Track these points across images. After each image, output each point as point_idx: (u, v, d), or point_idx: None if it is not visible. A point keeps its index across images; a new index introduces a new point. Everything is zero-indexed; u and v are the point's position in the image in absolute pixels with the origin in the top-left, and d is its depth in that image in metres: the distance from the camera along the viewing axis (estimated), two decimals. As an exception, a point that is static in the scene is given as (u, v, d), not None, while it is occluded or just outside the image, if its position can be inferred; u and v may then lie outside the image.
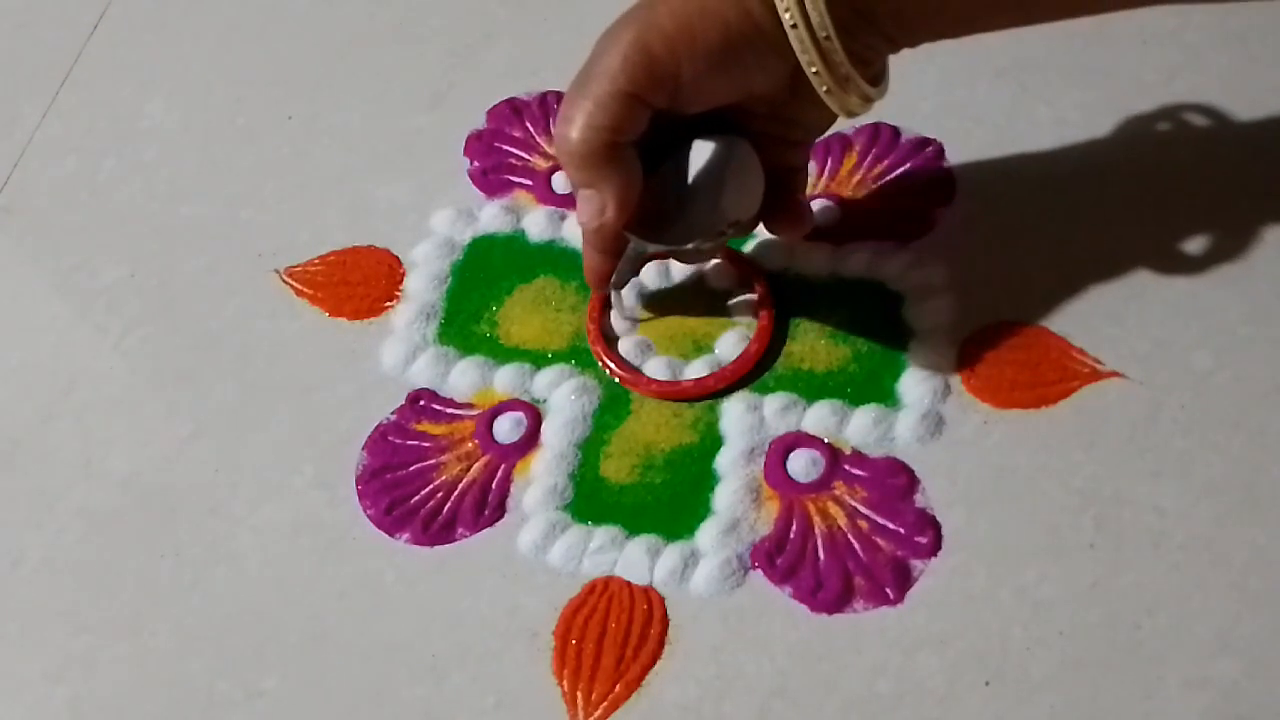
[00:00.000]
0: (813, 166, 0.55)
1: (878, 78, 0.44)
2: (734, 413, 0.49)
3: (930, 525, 0.46)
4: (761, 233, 0.54)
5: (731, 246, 0.53)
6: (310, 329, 0.54)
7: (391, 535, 0.48)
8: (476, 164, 0.58)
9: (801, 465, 0.47)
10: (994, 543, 0.45)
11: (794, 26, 0.40)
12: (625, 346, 0.51)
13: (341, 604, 0.47)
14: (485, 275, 0.55)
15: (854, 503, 0.47)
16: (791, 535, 0.46)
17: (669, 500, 0.48)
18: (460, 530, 0.48)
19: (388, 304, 0.54)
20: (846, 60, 0.41)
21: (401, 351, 0.52)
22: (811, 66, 0.41)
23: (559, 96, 0.60)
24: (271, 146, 0.60)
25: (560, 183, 0.57)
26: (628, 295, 0.52)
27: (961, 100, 0.56)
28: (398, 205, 0.57)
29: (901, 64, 0.45)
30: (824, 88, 0.42)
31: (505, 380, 0.51)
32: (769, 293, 0.51)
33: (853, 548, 0.45)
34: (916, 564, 0.45)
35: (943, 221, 0.53)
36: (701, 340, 0.51)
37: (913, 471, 0.47)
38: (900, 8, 0.41)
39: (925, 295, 0.51)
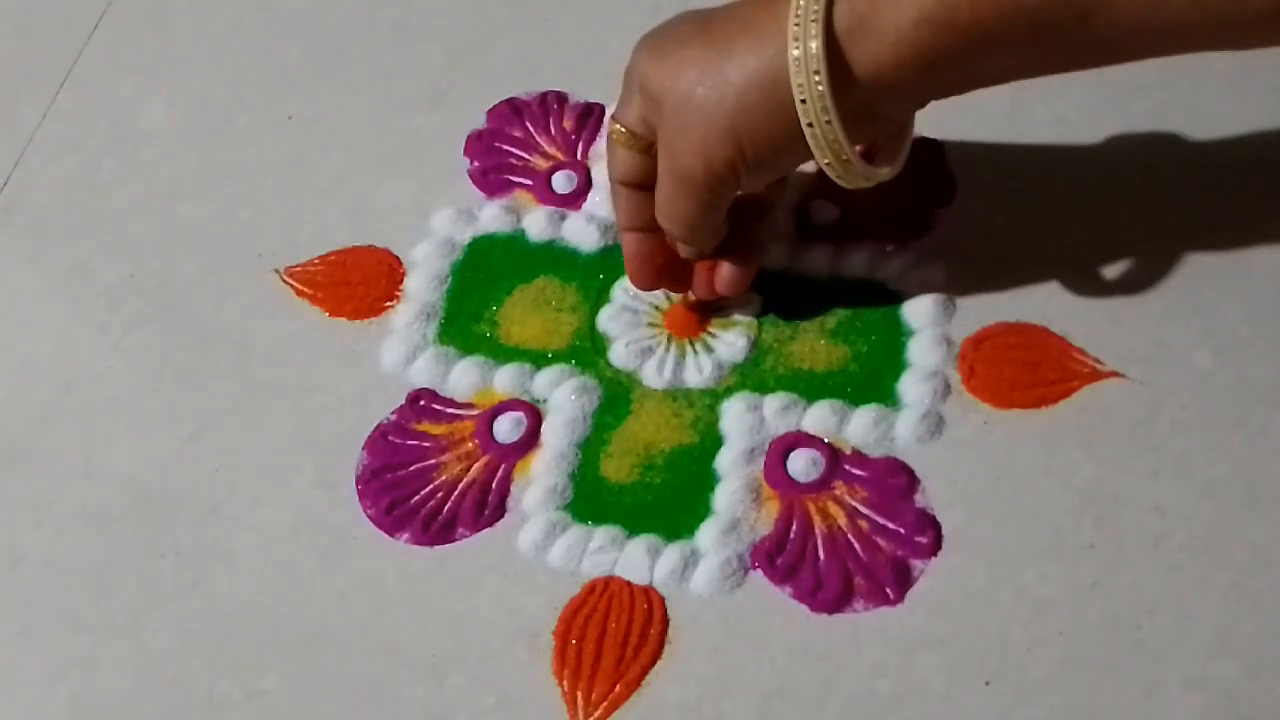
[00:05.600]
0: (812, 166, 0.55)
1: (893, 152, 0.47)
2: (734, 412, 0.49)
3: (930, 525, 0.46)
4: (761, 233, 0.54)
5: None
6: (310, 329, 0.54)
7: (391, 535, 0.48)
8: (476, 164, 0.58)
9: (801, 465, 0.47)
10: (994, 543, 0.45)
11: (810, 125, 0.42)
12: (624, 348, 0.51)
13: (341, 604, 0.47)
14: (485, 275, 0.55)
15: (854, 503, 0.47)
16: (791, 535, 0.46)
17: (669, 500, 0.48)
18: (460, 530, 0.48)
19: (388, 304, 0.54)
20: (850, 152, 0.43)
21: (401, 351, 0.52)
22: (824, 159, 0.43)
23: (559, 96, 0.60)
24: (271, 146, 0.60)
25: (560, 183, 0.57)
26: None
27: (961, 100, 0.56)
28: (398, 205, 0.57)
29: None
30: (834, 174, 0.44)
31: (505, 380, 0.51)
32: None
33: (853, 548, 0.45)
34: (916, 564, 0.45)
35: (943, 221, 0.53)
36: (701, 341, 0.51)
37: (913, 471, 0.47)
38: (905, 92, 0.44)
39: (925, 295, 0.51)
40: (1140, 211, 0.52)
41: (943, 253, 0.52)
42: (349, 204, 0.58)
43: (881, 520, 0.46)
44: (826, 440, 0.48)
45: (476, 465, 0.49)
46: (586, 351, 0.52)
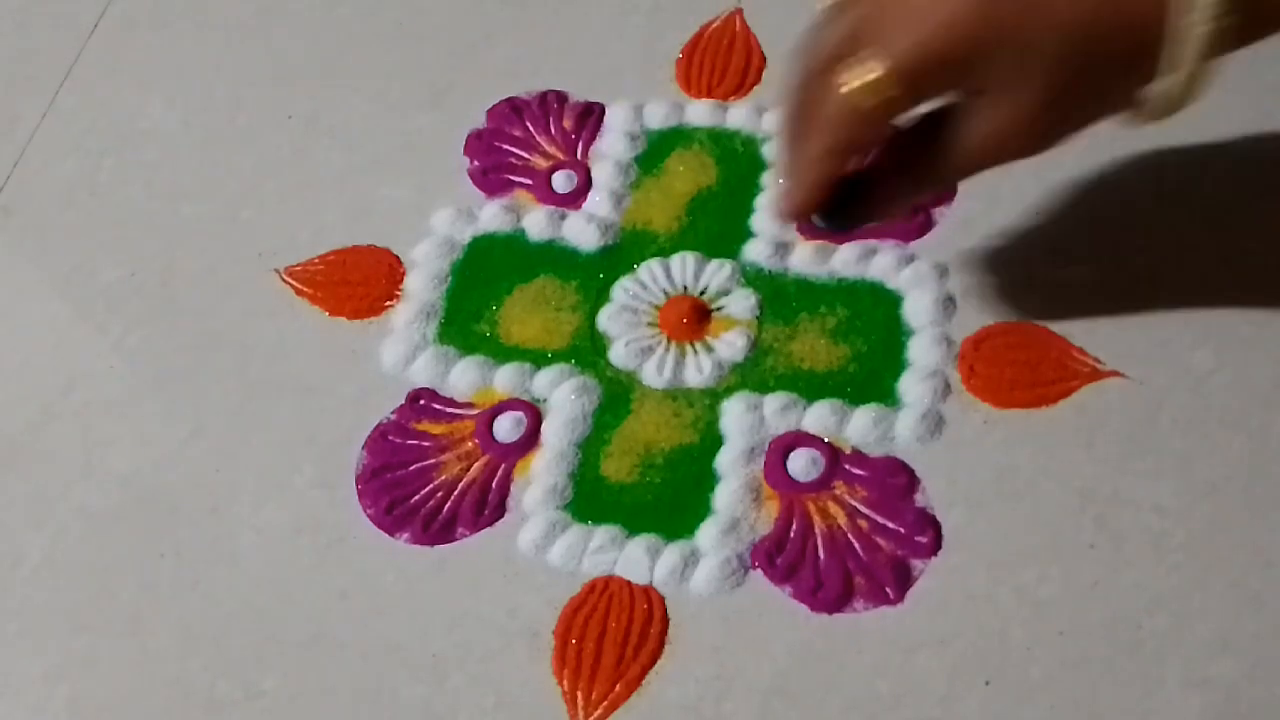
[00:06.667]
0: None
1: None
2: (734, 412, 0.49)
3: (930, 525, 0.46)
4: (758, 231, 0.54)
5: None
6: (310, 329, 0.54)
7: (391, 535, 0.48)
8: (476, 164, 0.58)
9: (801, 465, 0.47)
10: (994, 543, 0.45)
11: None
12: (624, 347, 0.51)
13: (341, 604, 0.47)
14: (485, 275, 0.55)
15: (854, 502, 0.47)
16: (791, 535, 0.46)
17: (669, 500, 0.48)
18: (460, 530, 0.48)
19: (388, 303, 0.54)
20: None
21: (401, 351, 0.52)
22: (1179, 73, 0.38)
23: (559, 96, 0.60)
24: (271, 146, 0.60)
25: (560, 182, 0.57)
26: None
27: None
28: (398, 205, 0.57)
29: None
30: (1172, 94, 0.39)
31: (505, 380, 0.51)
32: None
33: (853, 547, 0.45)
34: (916, 564, 0.45)
35: (943, 221, 0.53)
36: (702, 341, 0.51)
37: (913, 471, 0.47)
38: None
39: (925, 295, 0.51)
40: (1140, 211, 0.52)
41: (943, 253, 0.52)
42: (349, 204, 0.58)
43: (881, 520, 0.46)
44: (826, 440, 0.48)
45: (476, 465, 0.49)
46: (586, 351, 0.52)
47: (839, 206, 0.44)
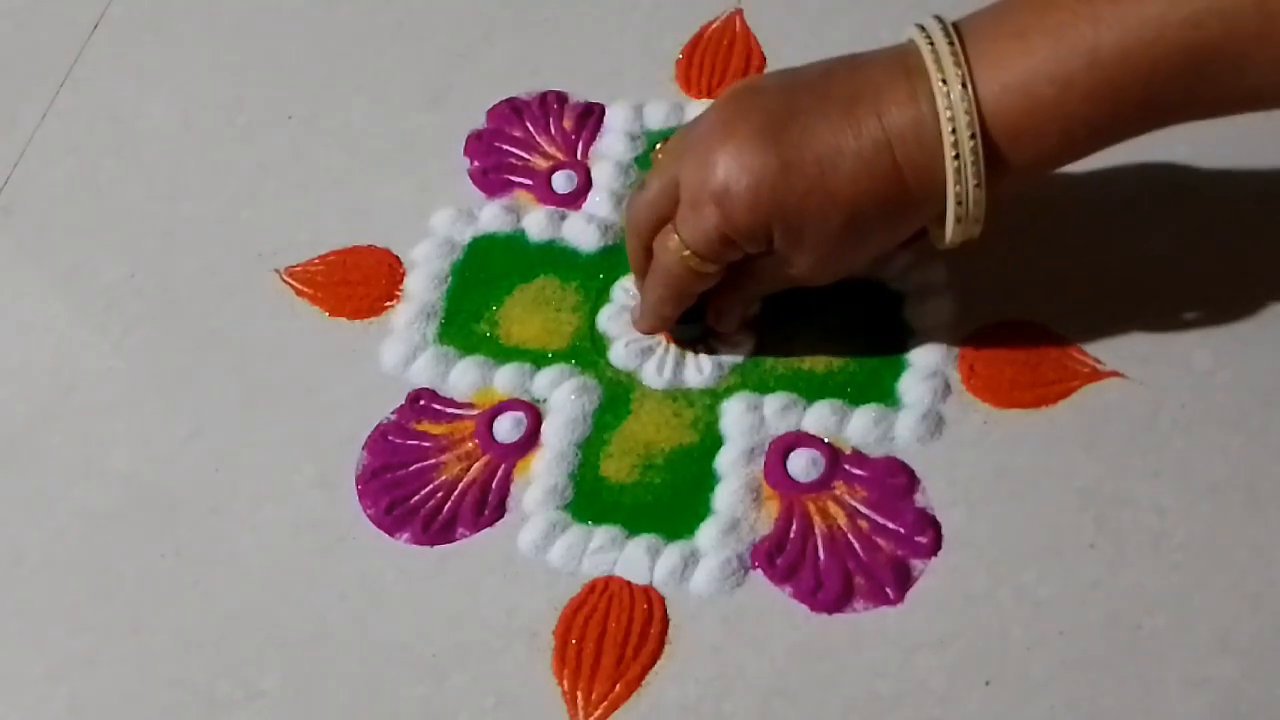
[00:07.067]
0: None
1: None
2: (734, 412, 0.49)
3: (930, 525, 0.46)
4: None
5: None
6: (310, 329, 0.54)
7: (391, 535, 0.48)
8: (476, 164, 0.58)
9: (801, 465, 0.47)
10: (994, 543, 0.45)
11: (978, 186, 0.43)
12: (624, 348, 0.51)
13: (341, 604, 0.47)
14: (485, 275, 0.55)
15: (854, 502, 0.47)
16: (791, 535, 0.46)
17: (669, 500, 0.48)
18: (460, 530, 0.48)
19: (388, 304, 0.54)
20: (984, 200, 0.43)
21: (401, 351, 0.52)
22: (958, 215, 0.44)
23: (559, 96, 0.60)
24: (271, 146, 0.60)
25: (560, 182, 0.57)
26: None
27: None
28: (398, 205, 0.57)
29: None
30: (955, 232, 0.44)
31: (505, 380, 0.51)
32: None
33: (853, 547, 0.45)
34: (916, 564, 0.45)
35: (943, 221, 0.53)
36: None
37: (913, 471, 0.47)
38: (1036, 160, 0.43)
39: (925, 295, 0.51)
40: (1140, 211, 0.52)
41: (943, 253, 0.52)
42: (349, 204, 0.58)
43: (881, 520, 0.46)
44: (826, 440, 0.48)
45: (476, 465, 0.49)
46: (586, 351, 0.52)
47: (689, 317, 0.50)
